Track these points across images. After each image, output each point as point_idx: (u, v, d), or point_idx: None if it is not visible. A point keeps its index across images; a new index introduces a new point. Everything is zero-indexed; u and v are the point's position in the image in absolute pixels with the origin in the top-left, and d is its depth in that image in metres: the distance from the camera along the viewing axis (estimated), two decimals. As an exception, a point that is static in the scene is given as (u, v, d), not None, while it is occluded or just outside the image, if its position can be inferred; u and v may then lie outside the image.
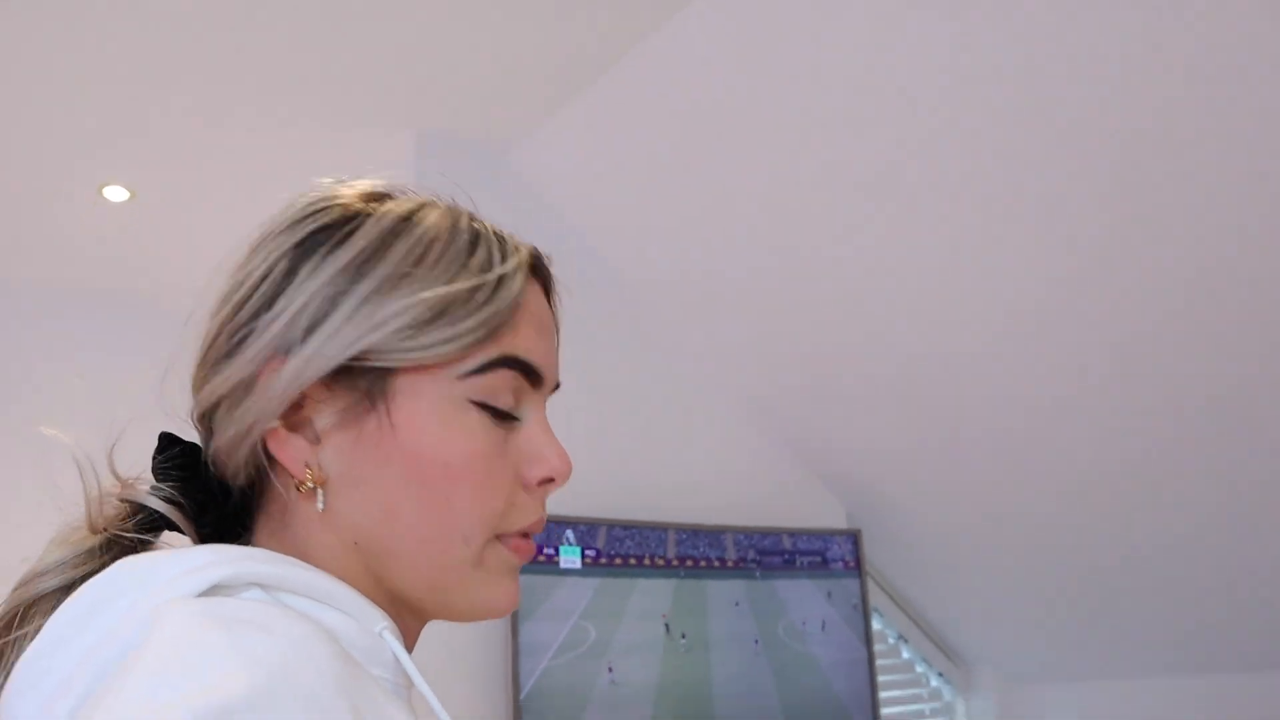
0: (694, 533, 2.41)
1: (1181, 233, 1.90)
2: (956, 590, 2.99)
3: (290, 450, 0.62)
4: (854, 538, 2.74)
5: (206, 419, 0.64)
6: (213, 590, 0.54)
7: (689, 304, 2.52)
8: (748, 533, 2.53)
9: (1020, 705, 3.10)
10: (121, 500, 0.64)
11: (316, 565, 0.62)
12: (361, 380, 0.61)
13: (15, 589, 0.61)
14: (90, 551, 0.61)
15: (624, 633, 2.19)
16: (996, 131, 1.90)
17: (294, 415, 0.62)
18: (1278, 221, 1.82)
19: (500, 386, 0.62)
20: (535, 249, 0.68)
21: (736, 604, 2.42)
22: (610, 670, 2.13)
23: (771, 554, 2.55)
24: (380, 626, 0.60)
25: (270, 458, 0.62)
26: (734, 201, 2.25)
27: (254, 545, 0.66)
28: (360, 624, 0.60)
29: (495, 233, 0.66)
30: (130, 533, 0.63)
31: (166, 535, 0.66)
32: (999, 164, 1.95)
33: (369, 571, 0.63)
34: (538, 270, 0.67)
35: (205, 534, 0.66)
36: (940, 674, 3.12)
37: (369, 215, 0.64)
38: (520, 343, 0.63)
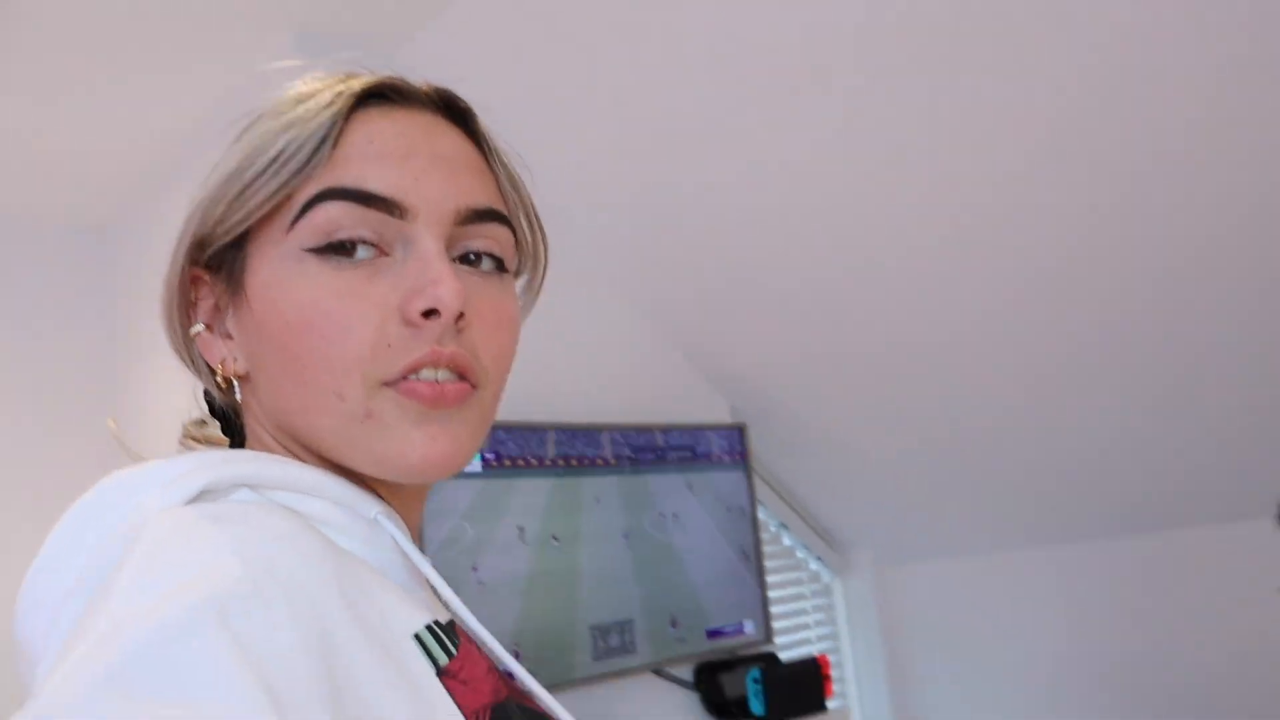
0: (573, 432, 2.45)
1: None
2: (834, 480, 3.14)
3: (211, 350, 0.64)
4: (740, 431, 2.83)
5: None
6: (200, 496, 0.55)
7: (579, 203, 2.52)
8: (630, 430, 2.59)
9: (893, 583, 3.30)
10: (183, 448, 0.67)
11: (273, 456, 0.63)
12: (225, 263, 0.62)
13: None
14: None
15: (501, 532, 2.22)
16: (909, 51, 1.95)
17: (215, 315, 0.64)
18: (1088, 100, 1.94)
19: (332, 224, 0.58)
20: (391, 77, 0.64)
21: (614, 499, 2.48)
22: (475, 569, 2.15)
23: (651, 450, 2.61)
24: (374, 512, 0.60)
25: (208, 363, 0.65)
26: (628, 104, 2.25)
27: (246, 447, 0.68)
28: (352, 511, 0.60)
29: (336, 80, 0.63)
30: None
31: None
32: (900, 79, 2.00)
33: (303, 452, 0.63)
34: (403, 96, 0.63)
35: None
36: (819, 558, 3.28)
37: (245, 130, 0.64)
38: (349, 173, 0.58)
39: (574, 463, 2.41)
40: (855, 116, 2.12)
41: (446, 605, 0.60)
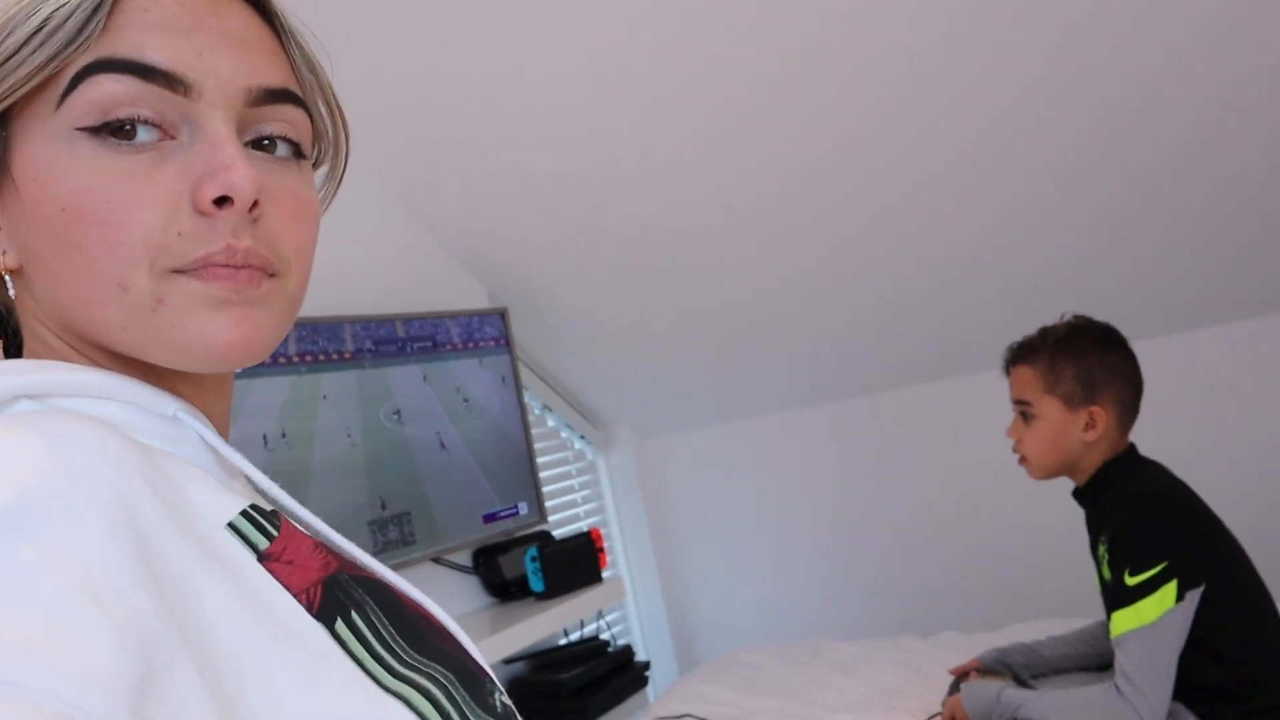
0: (366, 324, 2.37)
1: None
2: (592, 360, 3.19)
3: None
4: (501, 316, 2.82)
5: None
6: None
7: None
8: (413, 320, 2.53)
9: (653, 455, 3.43)
10: None
11: (58, 359, 0.57)
12: None
13: None
14: None
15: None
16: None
17: None
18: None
19: (106, 99, 0.52)
20: None
21: (368, 391, 2.43)
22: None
23: (426, 338, 2.57)
24: (173, 410, 0.57)
25: None
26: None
27: (25, 353, 0.61)
28: (151, 412, 0.56)
29: None
30: None
31: None
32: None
33: (91, 351, 0.58)
34: None
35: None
36: (582, 436, 3.36)
37: None
38: (124, 43, 0.53)
39: (321, 358, 2.32)
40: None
41: (264, 493, 0.58)
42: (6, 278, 0.57)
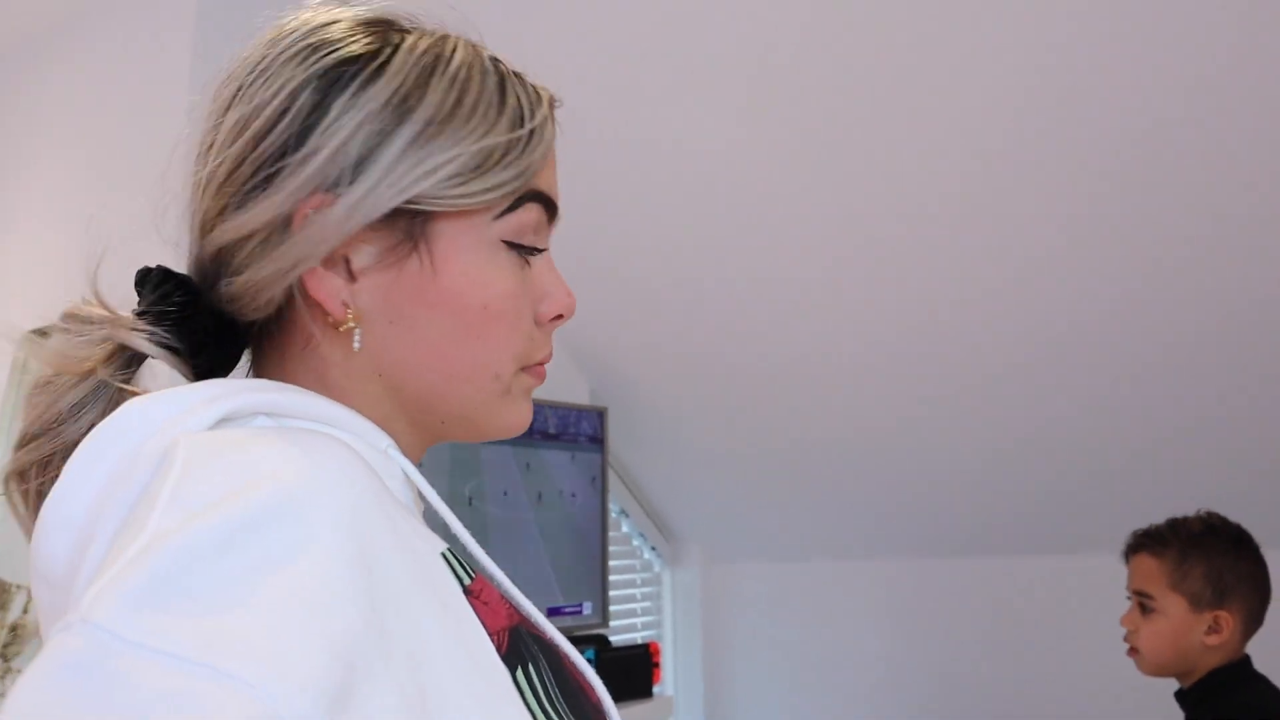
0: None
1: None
2: (675, 473, 3.19)
3: (328, 288, 0.62)
4: (600, 415, 2.84)
5: (224, 254, 0.63)
6: (222, 423, 0.55)
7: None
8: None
9: (720, 579, 3.38)
10: (110, 341, 0.62)
11: (333, 393, 0.63)
12: (403, 222, 0.62)
13: (19, 447, 0.60)
14: (89, 399, 0.60)
15: None
16: (808, 49, 1.99)
17: (330, 254, 0.62)
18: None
19: (528, 224, 0.65)
20: (553, 95, 0.70)
21: (448, 462, 2.45)
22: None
23: (533, 424, 2.60)
24: (385, 444, 0.63)
25: (305, 294, 0.62)
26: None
27: (258, 376, 0.67)
28: (366, 442, 0.62)
29: (514, 73, 0.67)
30: (115, 376, 0.61)
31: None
32: (794, 75, 2.05)
33: (389, 398, 0.65)
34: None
35: (198, 374, 0.65)
36: (653, 548, 3.34)
37: (395, 48, 0.63)
38: (546, 182, 0.66)
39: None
40: (744, 108, 2.15)
41: (457, 536, 0.64)
42: (356, 331, 0.63)
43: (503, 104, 0.64)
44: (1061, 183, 2.04)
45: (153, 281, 0.64)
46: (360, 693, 0.44)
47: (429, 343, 0.63)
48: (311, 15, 0.65)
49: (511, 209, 0.64)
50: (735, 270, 2.49)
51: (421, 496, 0.65)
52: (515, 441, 2.57)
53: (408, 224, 0.62)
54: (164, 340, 0.63)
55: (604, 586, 2.77)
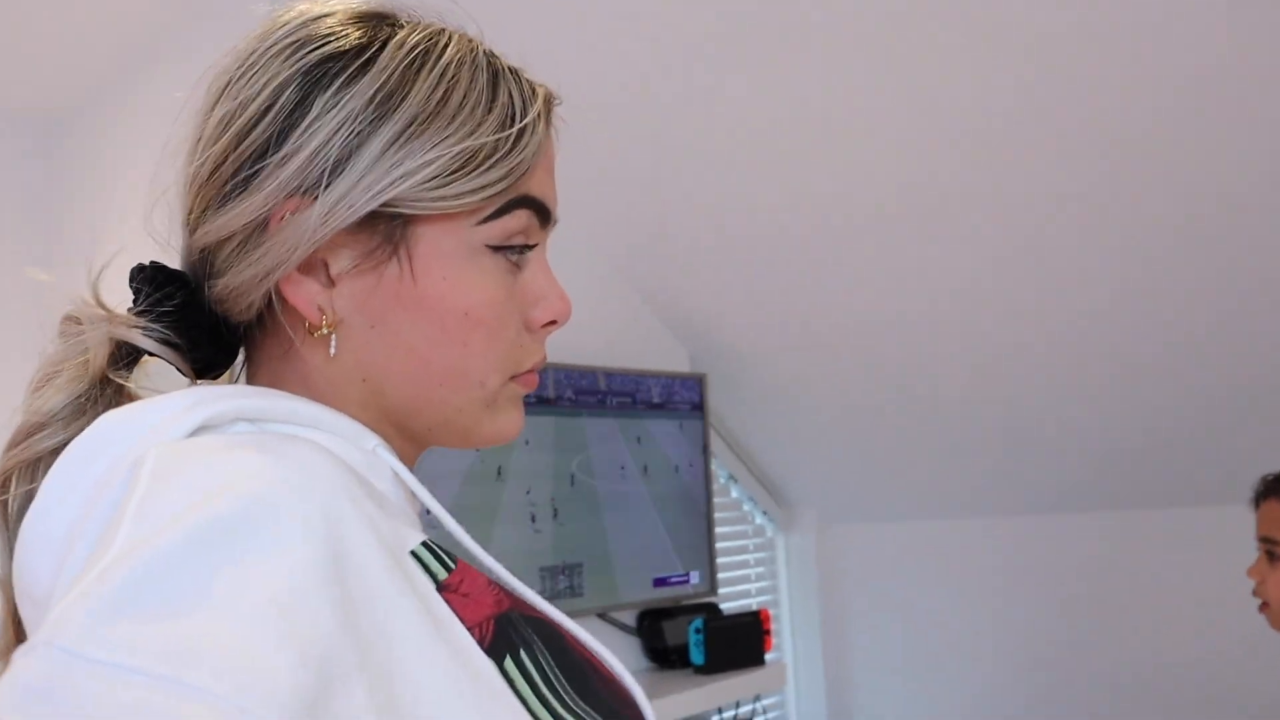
0: (568, 373, 2.43)
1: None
2: (784, 436, 3.14)
3: (304, 294, 0.60)
4: (699, 382, 2.81)
5: (208, 255, 0.62)
6: (199, 431, 0.54)
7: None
8: (611, 374, 2.56)
9: (835, 542, 3.33)
10: (111, 339, 0.61)
11: (318, 398, 0.62)
12: (382, 226, 0.60)
13: (12, 446, 0.60)
14: (86, 399, 0.59)
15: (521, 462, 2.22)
16: (898, 11, 1.90)
17: (308, 257, 0.60)
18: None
19: (514, 229, 0.62)
20: (550, 91, 0.66)
21: (572, 439, 2.45)
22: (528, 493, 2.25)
23: (635, 394, 2.59)
24: (373, 444, 0.61)
25: (282, 299, 0.61)
26: (595, 40, 2.18)
27: (249, 379, 0.66)
28: (352, 443, 0.60)
29: (510, 69, 0.64)
30: (118, 374, 0.61)
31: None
32: (886, 36, 1.96)
33: (374, 403, 0.63)
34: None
35: (196, 368, 0.65)
36: (764, 512, 3.30)
37: (383, 43, 0.60)
38: (534, 184, 0.63)
39: (565, 403, 2.38)
40: (841, 69, 2.07)
41: (445, 528, 0.63)
42: (333, 336, 0.62)
43: (492, 102, 0.61)
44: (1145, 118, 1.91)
45: (148, 278, 0.64)
46: (333, 701, 0.44)
47: (410, 348, 0.62)
48: (307, 8, 0.63)
49: (498, 215, 0.61)
50: (834, 226, 2.41)
51: (417, 496, 0.64)
52: (619, 413, 2.56)
53: (387, 228, 0.60)
54: (163, 336, 0.62)
55: (711, 554, 2.75)
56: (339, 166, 0.57)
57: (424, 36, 0.62)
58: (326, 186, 0.57)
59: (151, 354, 0.63)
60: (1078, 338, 2.42)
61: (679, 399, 2.75)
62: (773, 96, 2.16)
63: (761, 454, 3.25)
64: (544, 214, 0.64)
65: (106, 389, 0.61)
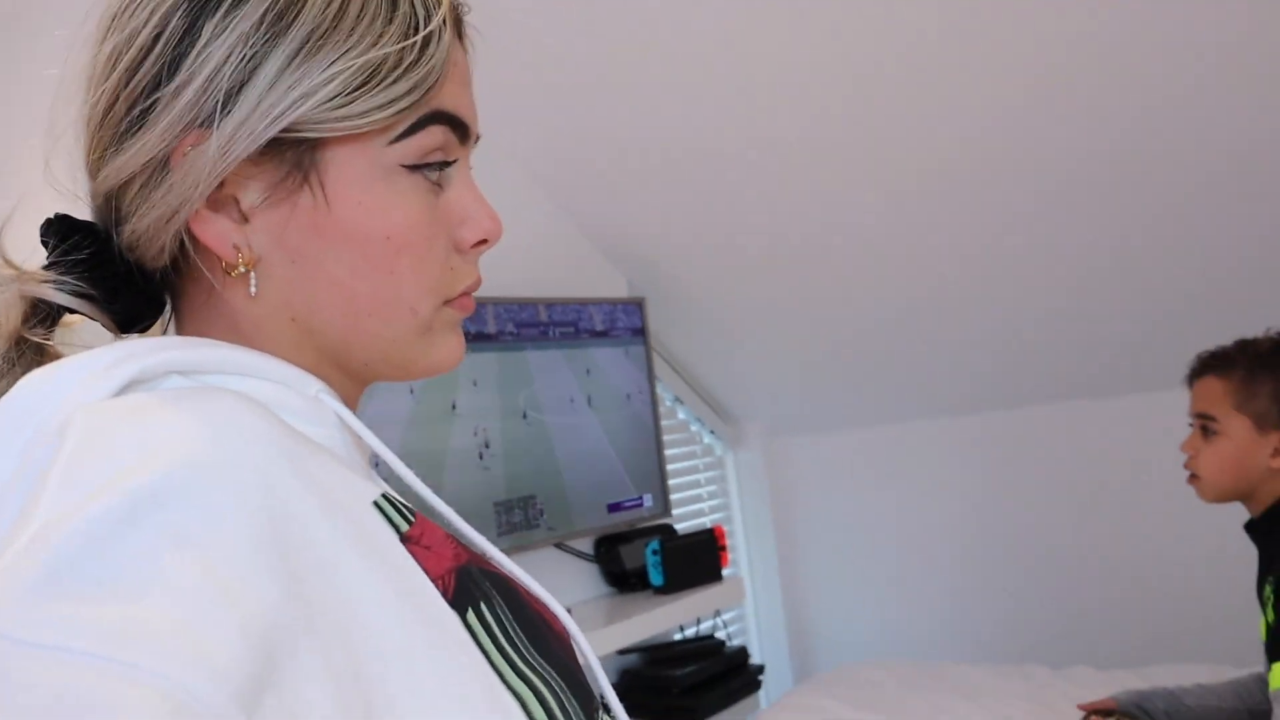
0: (508, 306, 2.40)
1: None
2: (726, 355, 3.15)
3: (215, 231, 0.57)
4: (639, 306, 2.80)
5: (112, 199, 0.58)
6: (129, 387, 0.51)
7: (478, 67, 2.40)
8: (552, 305, 2.54)
9: (782, 455, 3.37)
10: (23, 297, 0.58)
11: (249, 343, 0.59)
12: (289, 153, 0.56)
13: None
14: (3, 360, 0.56)
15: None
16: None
17: (217, 193, 0.57)
18: None
19: (430, 146, 0.59)
20: (455, 0, 0.62)
21: (508, 375, 2.43)
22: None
23: (547, 324, 2.56)
24: (315, 389, 0.58)
25: (194, 239, 0.57)
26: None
27: (178, 330, 0.63)
28: (294, 390, 0.58)
29: None
30: (34, 333, 0.58)
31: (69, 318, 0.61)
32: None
33: (308, 343, 0.60)
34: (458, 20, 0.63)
35: (119, 321, 0.62)
36: (712, 431, 3.32)
37: None
38: (446, 97, 0.59)
39: (507, 337, 2.35)
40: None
41: (397, 474, 0.61)
42: (252, 274, 0.59)
43: (392, 13, 0.57)
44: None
45: (55, 230, 0.60)
46: (282, 672, 0.42)
47: (334, 280, 0.58)
48: None
49: (410, 132, 0.58)
50: (764, 142, 2.39)
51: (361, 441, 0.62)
52: (561, 344, 2.54)
53: (294, 154, 0.56)
54: (76, 289, 0.59)
55: (663, 476, 2.76)
56: (234, 93, 0.54)
57: None
58: (223, 115, 0.54)
59: (67, 309, 0.60)
60: (1011, 235, 2.44)
61: (620, 325, 2.74)
62: (710, 17, 2.12)
63: (705, 374, 3.26)
64: (461, 129, 0.61)
65: (25, 349, 0.57)
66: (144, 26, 0.55)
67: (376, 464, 0.67)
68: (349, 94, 0.55)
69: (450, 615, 0.52)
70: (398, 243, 0.58)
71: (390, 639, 0.48)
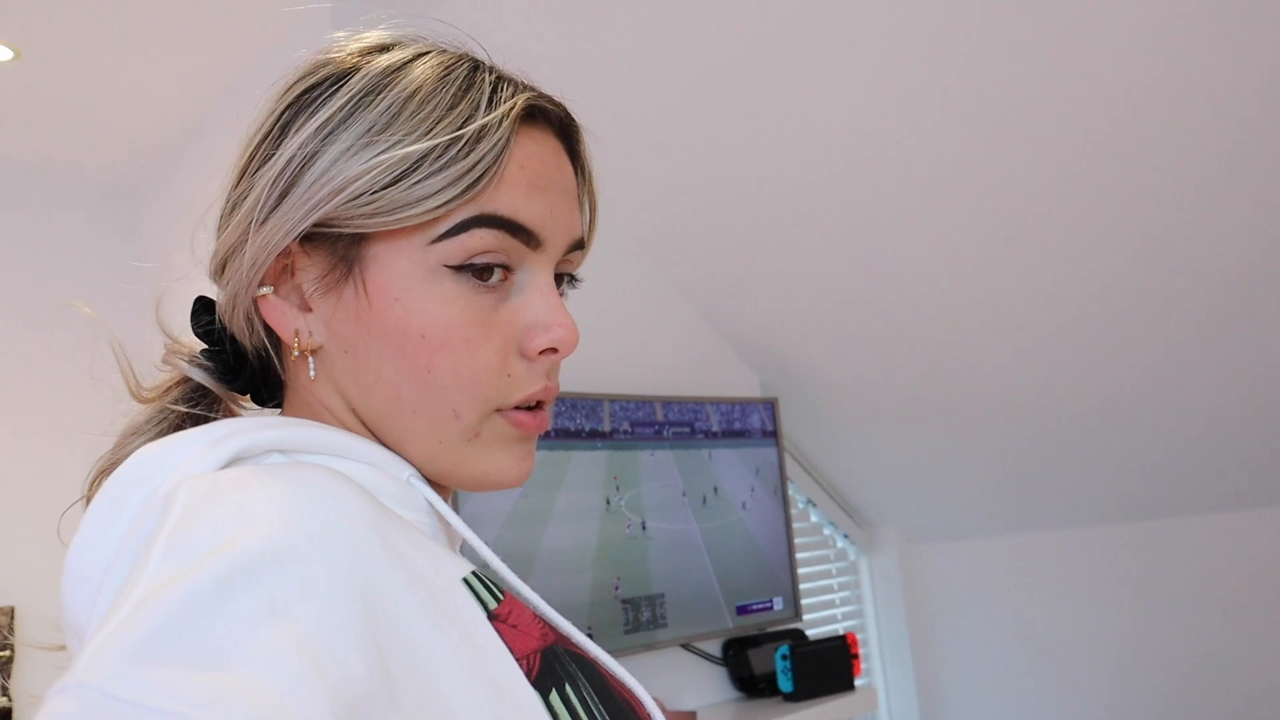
0: (625, 404, 2.43)
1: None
2: (861, 458, 3.10)
3: (279, 315, 0.61)
4: (771, 406, 2.80)
5: (218, 279, 0.64)
6: (233, 463, 0.54)
7: (611, 171, 2.48)
8: (674, 402, 2.56)
9: (919, 561, 3.27)
10: (163, 366, 0.64)
11: (330, 424, 0.62)
12: (338, 246, 0.59)
13: (112, 450, 0.62)
14: (161, 415, 0.62)
15: (563, 501, 2.21)
16: (945, 34, 1.90)
17: (286, 280, 0.61)
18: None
19: (479, 248, 0.57)
20: (539, 93, 0.62)
21: (648, 473, 2.45)
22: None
23: (696, 423, 2.59)
24: (407, 474, 0.60)
25: (265, 322, 0.62)
26: (663, 79, 2.20)
27: (283, 410, 0.67)
28: (386, 473, 0.59)
29: (498, 79, 0.61)
30: (179, 403, 0.63)
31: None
32: (935, 61, 1.95)
33: (369, 433, 0.62)
34: (545, 117, 0.62)
35: (242, 391, 0.67)
36: (846, 535, 3.26)
37: (359, 69, 0.60)
38: (504, 199, 0.58)
39: (634, 434, 2.39)
40: (890, 91, 2.06)
41: (487, 563, 0.61)
42: (309, 358, 0.61)
43: (451, 110, 0.57)
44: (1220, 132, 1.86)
45: (194, 310, 0.66)
46: None
47: (379, 374, 0.59)
48: (327, 44, 0.64)
49: (453, 233, 0.57)
50: (892, 242, 2.39)
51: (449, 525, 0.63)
52: (698, 443, 2.56)
53: (341, 247, 0.59)
54: (193, 358, 0.65)
55: (794, 579, 2.72)
56: (290, 186, 0.57)
57: (404, 56, 0.60)
58: (277, 205, 0.58)
59: (190, 375, 0.65)
60: (1157, 351, 2.36)
61: (752, 424, 2.73)
62: (833, 118, 2.16)
63: (839, 476, 3.22)
64: (522, 233, 0.59)
65: (168, 417, 0.64)
66: (256, 132, 0.62)
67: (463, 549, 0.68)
68: (381, 189, 0.56)
69: (531, 695, 0.52)
70: (434, 342, 0.58)
71: (467, 714, 0.49)
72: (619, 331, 2.57)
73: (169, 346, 0.65)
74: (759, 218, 2.48)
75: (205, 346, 0.65)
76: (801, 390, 2.97)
